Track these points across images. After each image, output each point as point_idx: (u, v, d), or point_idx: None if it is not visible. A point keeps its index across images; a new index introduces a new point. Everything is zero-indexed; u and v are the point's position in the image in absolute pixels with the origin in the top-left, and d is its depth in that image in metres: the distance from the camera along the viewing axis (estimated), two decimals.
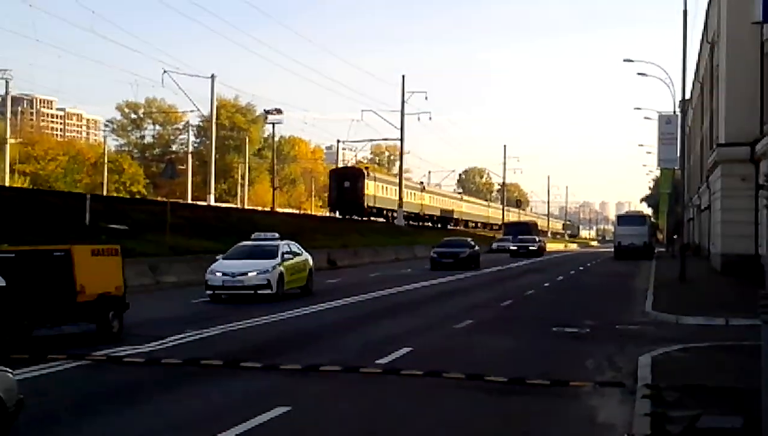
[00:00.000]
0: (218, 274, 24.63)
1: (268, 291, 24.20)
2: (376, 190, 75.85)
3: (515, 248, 66.72)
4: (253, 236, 27.82)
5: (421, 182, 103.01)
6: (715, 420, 8.92)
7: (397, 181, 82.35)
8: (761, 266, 27.92)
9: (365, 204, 72.92)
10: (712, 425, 8.73)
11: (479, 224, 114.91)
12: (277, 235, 27.74)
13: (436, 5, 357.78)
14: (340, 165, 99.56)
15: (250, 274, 24.31)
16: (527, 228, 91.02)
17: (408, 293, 28.03)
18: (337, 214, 73.29)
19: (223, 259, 25.74)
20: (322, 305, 23.08)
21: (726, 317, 19.30)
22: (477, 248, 47.80)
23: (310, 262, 27.90)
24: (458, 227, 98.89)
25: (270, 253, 25.45)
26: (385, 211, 77.53)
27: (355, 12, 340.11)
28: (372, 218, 74.47)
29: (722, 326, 18.56)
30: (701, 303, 23.01)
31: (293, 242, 27.97)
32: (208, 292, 24.62)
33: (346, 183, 72.76)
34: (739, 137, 35.21)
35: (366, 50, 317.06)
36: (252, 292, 24.10)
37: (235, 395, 10.97)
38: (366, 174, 75.00)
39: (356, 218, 72.02)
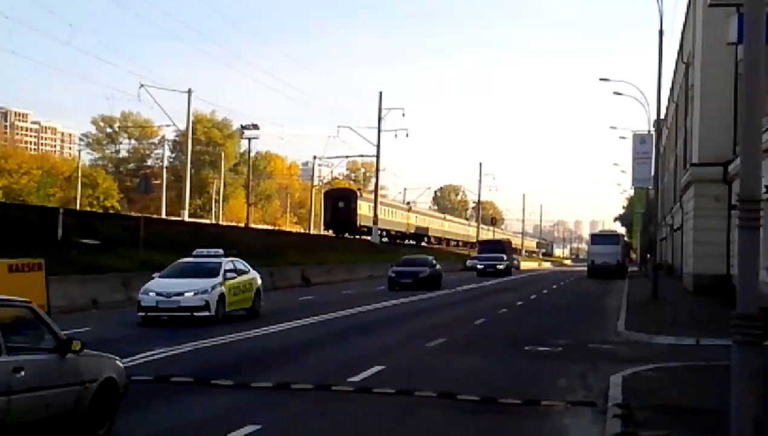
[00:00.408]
0: (152, 294, 22.44)
1: (206, 313, 22.10)
2: (368, 211, 77.59)
3: (482, 266, 63.07)
4: (194, 253, 25.25)
5: (408, 202, 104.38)
6: None
7: (391, 202, 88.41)
8: (733, 286, 28.05)
9: (358, 223, 75.47)
10: None
11: (460, 243, 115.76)
12: (221, 251, 25.25)
13: (414, 24, 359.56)
14: (315, 182, 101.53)
15: (186, 294, 22.14)
16: (501, 246, 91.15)
17: (380, 311, 27.92)
18: (331, 233, 75.20)
19: (160, 277, 23.63)
20: (281, 325, 22.89)
21: (697, 336, 19.41)
22: (438, 266, 44.07)
23: (258, 281, 25.84)
24: (441, 245, 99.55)
25: (211, 271, 23.37)
26: (385, 231, 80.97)
27: (333, 29, 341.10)
28: (363, 237, 75.72)
29: (693, 346, 18.65)
30: (673, 323, 23.13)
31: (239, 259, 25.72)
32: (140, 314, 22.40)
33: (340, 203, 75.94)
34: (713, 157, 35.49)
35: (343, 67, 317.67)
36: (188, 314, 21.98)
37: (205, 412, 10.87)
38: (359, 195, 78.59)
39: (348, 236, 74.28)
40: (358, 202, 76.67)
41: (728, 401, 7.59)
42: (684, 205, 44.22)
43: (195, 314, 22.00)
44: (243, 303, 24.50)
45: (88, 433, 9.05)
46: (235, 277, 24.20)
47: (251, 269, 25.82)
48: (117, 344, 17.15)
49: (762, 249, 8.19)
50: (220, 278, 23.18)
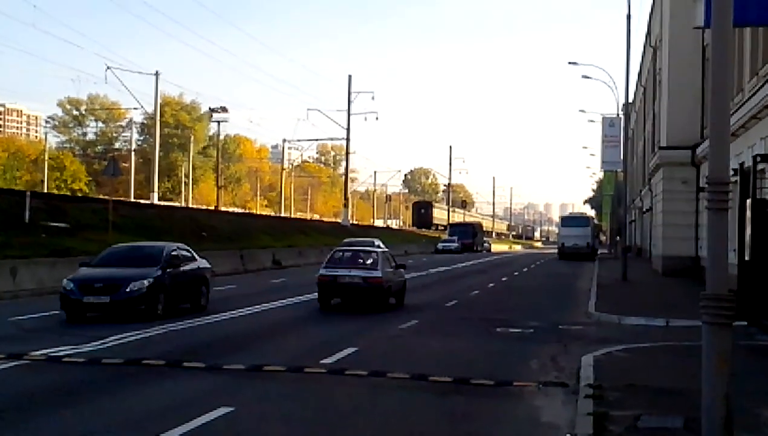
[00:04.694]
0: None
1: None
2: (438, 214, 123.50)
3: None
4: None
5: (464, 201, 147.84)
6: (656, 420, 9.03)
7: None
8: (701, 267, 28.38)
9: (432, 222, 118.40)
10: (653, 424, 8.84)
11: None
12: None
13: (383, 6, 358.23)
14: (285, 165, 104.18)
15: None
16: (472, 229, 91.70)
17: None
18: (416, 229, 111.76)
19: None
20: (254, 308, 22.80)
21: (666, 317, 19.61)
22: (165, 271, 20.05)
23: None
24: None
25: None
26: (438, 225, 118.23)
27: (302, 11, 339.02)
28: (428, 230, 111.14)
29: (663, 327, 18.85)
30: (643, 304, 23.35)
31: None
32: None
33: (422, 210, 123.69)
34: (681, 141, 35.83)
35: (313, 50, 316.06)
36: None
37: (177, 395, 10.83)
38: (432, 205, 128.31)
39: (425, 230, 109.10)
40: (433, 208, 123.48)
41: (699, 381, 7.68)
42: (653, 187, 44.59)
43: None
44: None
45: (400, 300, 23.71)
46: None
47: None
48: (87, 327, 17.06)
49: (730, 231, 8.27)
50: None
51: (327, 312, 21.66)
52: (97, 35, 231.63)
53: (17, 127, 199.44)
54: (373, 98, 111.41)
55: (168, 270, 20.00)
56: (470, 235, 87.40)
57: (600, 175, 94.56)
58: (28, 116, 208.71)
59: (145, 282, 18.94)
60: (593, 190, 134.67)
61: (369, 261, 22.63)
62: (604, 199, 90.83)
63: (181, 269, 20.83)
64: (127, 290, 18.64)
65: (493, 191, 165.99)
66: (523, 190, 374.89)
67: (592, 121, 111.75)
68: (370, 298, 21.98)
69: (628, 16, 37.95)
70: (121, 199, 58.71)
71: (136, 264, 19.71)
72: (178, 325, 17.82)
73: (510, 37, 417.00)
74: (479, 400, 10.88)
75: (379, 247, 32.87)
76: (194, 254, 22.37)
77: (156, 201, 65.34)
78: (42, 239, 30.28)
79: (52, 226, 33.08)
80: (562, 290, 31.27)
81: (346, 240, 38.09)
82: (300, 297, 25.21)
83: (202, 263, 22.46)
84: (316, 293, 22.23)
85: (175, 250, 21.28)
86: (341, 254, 23.63)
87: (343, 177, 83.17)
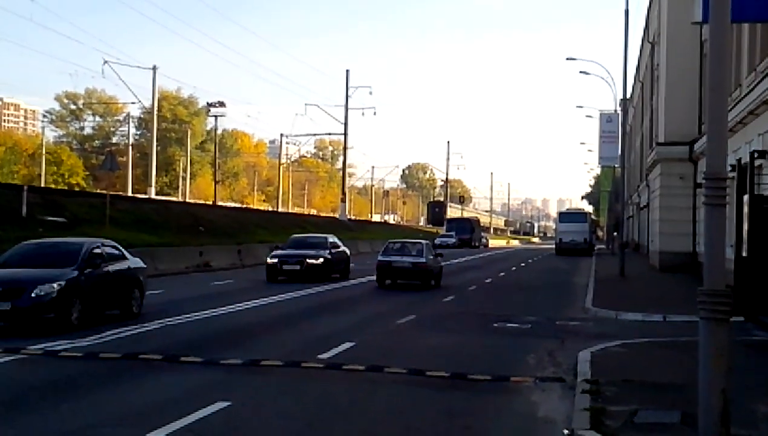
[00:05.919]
0: None
1: None
2: (450, 212, 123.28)
3: (274, 261, 31.66)
4: None
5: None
6: (653, 415, 9.04)
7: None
8: (699, 263, 28.41)
9: (445, 219, 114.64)
10: (650, 419, 8.85)
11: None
12: None
13: (382, 1, 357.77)
14: (283, 160, 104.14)
15: None
16: (470, 224, 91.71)
17: (350, 289, 27.93)
18: (431, 225, 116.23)
19: None
20: (255, 301, 22.76)
21: (664, 313, 19.64)
22: (83, 272, 16.91)
23: None
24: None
25: None
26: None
27: (300, 6, 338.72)
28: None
29: (660, 322, 18.88)
30: (640, 299, 23.36)
31: None
32: None
33: (436, 209, 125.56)
34: (678, 136, 35.82)
35: (311, 44, 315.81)
36: None
37: (174, 389, 10.81)
38: (446, 205, 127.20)
39: (439, 227, 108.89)
40: (445, 207, 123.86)
41: (696, 377, 7.69)
42: (650, 183, 44.59)
43: None
44: None
45: (438, 282, 29.10)
46: None
47: None
48: (84, 322, 17.03)
49: (727, 226, 8.31)
50: None
51: (325, 308, 21.69)
52: (95, 29, 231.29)
53: (15, 122, 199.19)
54: (371, 93, 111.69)
55: (87, 271, 16.89)
56: (468, 230, 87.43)
57: (597, 170, 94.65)
58: (26, 110, 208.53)
59: (55, 285, 15.79)
60: (591, 186, 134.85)
61: (416, 250, 28.59)
62: (602, 194, 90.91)
63: (105, 269, 17.71)
64: (33, 294, 15.53)
65: (491, 186, 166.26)
66: (521, 186, 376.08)
67: (589, 116, 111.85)
68: (417, 279, 27.88)
69: (626, 12, 37.97)
70: (119, 193, 58.64)
71: (48, 264, 16.63)
72: (93, 339, 14.92)
73: (508, 32, 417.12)
74: (476, 395, 10.87)
75: (333, 243, 33.43)
76: (125, 252, 19.10)
77: (153, 196, 65.30)
78: (39, 233, 30.21)
79: (50, 220, 33.07)
80: (559, 286, 31.28)
81: (293, 236, 36.53)
82: (295, 293, 25.21)
83: (135, 262, 19.28)
84: (311, 290, 22.16)
85: (97, 247, 17.91)
86: (393, 245, 29.77)
87: (341, 172, 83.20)
